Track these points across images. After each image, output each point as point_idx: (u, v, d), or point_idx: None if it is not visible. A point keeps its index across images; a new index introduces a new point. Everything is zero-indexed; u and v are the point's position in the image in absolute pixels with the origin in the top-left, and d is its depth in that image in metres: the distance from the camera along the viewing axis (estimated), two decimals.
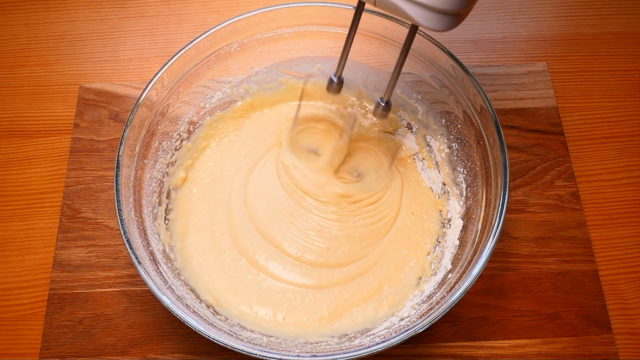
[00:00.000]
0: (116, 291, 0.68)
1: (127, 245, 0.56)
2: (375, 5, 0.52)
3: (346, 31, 0.70)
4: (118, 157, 0.60)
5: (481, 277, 0.64)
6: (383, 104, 0.63)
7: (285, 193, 0.70)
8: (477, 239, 0.60)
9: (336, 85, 0.64)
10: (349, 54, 0.63)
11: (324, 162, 0.70)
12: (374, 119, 0.73)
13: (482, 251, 0.57)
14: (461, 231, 0.65)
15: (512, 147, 0.75)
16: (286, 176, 0.70)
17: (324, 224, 0.68)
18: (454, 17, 0.50)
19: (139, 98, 0.63)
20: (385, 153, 0.72)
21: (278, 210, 0.69)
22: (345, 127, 0.70)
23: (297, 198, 0.69)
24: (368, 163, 0.72)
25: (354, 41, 0.69)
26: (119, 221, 0.57)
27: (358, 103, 0.75)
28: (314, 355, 0.54)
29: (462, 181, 0.68)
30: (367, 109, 0.74)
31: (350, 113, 0.71)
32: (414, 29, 0.56)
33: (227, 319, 0.62)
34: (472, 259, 0.58)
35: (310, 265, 0.66)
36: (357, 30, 0.69)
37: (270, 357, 0.53)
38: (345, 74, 0.72)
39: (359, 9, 0.58)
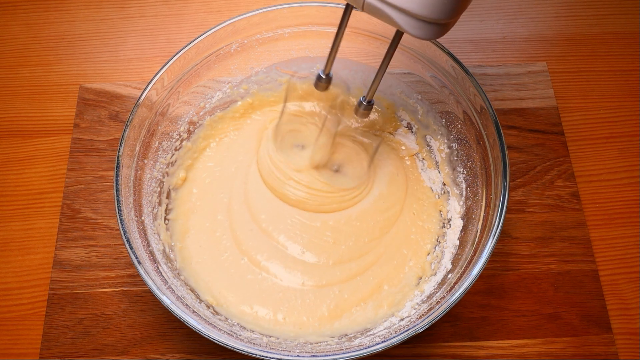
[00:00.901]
0: (116, 291, 0.68)
1: (127, 245, 0.56)
2: (362, 9, 0.52)
3: (346, 31, 0.70)
4: (118, 157, 0.60)
5: (481, 277, 0.64)
6: (365, 103, 0.63)
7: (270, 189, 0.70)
8: (477, 239, 0.60)
9: (324, 82, 0.64)
10: (351, 56, 0.62)
11: (307, 158, 0.71)
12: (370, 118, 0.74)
13: (482, 251, 0.57)
14: (461, 231, 0.65)
15: (512, 147, 0.75)
16: (276, 171, 0.70)
17: (333, 215, 0.68)
18: (441, 26, 0.50)
19: (139, 98, 0.63)
20: (367, 148, 0.72)
21: (281, 208, 0.69)
22: (330, 125, 0.70)
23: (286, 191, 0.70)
24: (348, 158, 0.72)
25: (355, 41, 0.70)
26: (119, 221, 0.57)
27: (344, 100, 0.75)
28: (314, 355, 0.54)
29: (462, 181, 0.68)
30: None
31: (335, 106, 0.71)
32: (399, 35, 0.56)
33: (227, 319, 0.62)
34: (472, 259, 0.58)
35: (312, 262, 0.66)
36: (357, 30, 0.69)
37: (270, 357, 0.53)
38: (345, 74, 0.72)
39: (347, 12, 0.58)
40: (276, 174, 0.70)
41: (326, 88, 0.65)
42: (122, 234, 0.57)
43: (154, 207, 0.66)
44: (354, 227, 0.68)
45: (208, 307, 0.62)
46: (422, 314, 0.56)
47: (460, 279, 0.57)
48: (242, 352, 0.53)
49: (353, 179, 0.70)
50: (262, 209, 0.69)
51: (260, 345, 0.56)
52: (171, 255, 0.65)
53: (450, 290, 0.57)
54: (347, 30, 0.69)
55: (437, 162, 0.72)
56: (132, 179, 0.62)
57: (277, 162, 0.71)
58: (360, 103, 0.63)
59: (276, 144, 0.71)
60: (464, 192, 0.67)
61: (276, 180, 0.70)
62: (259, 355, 0.53)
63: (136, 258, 0.56)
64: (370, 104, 0.63)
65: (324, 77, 0.64)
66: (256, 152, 0.73)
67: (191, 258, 0.66)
